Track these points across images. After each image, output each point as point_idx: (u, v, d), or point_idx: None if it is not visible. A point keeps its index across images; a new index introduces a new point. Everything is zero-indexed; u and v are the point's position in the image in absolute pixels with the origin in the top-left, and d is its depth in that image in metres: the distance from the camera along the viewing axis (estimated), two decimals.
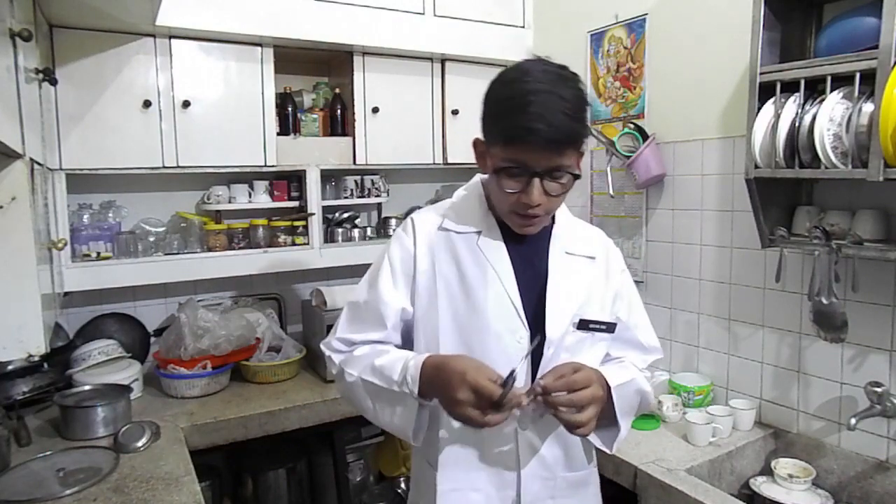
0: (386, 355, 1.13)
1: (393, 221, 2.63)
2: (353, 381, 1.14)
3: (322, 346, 1.23)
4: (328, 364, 1.23)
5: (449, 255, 1.16)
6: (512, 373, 1.00)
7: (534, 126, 0.99)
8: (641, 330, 1.29)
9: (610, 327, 1.19)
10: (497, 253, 1.15)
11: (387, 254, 1.20)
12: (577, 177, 1.07)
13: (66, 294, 1.96)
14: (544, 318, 1.13)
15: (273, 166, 2.22)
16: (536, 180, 1.03)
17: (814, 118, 1.41)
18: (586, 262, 1.21)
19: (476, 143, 1.15)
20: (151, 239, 2.18)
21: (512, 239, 1.17)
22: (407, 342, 1.20)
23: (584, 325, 1.16)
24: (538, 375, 1.09)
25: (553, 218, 1.22)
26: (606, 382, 1.11)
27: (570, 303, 1.15)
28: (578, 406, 1.04)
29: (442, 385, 1.03)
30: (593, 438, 1.18)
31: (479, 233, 1.17)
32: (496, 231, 1.17)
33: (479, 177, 1.24)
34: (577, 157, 1.07)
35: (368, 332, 1.18)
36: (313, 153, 2.32)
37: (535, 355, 1.11)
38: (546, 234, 1.20)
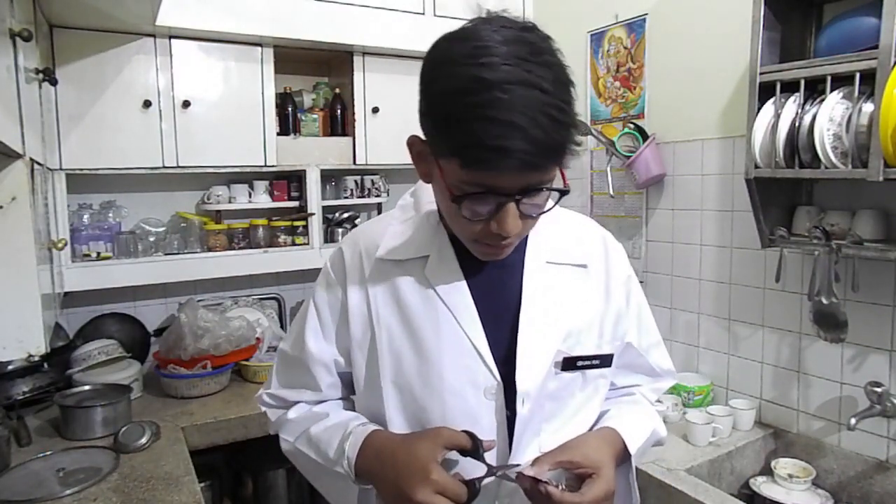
0: (323, 421, 0.94)
1: None
2: (289, 449, 0.98)
3: (257, 401, 1.05)
4: (267, 419, 1.06)
5: (388, 292, 0.91)
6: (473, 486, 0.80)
7: (509, 146, 0.69)
8: (654, 352, 1.06)
9: (605, 361, 0.94)
10: (450, 281, 0.89)
11: (313, 298, 0.98)
12: (564, 192, 0.80)
13: (66, 294, 1.96)
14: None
15: (273, 166, 2.22)
16: (511, 205, 0.76)
17: (814, 118, 1.41)
18: (576, 272, 0.95)
19: (413, 143, 0.83)
20: (151, 239, 2.18)
21: (473, 255, 0.90)
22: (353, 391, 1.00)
23: (570, 364, 0.90)
24: (515, 442, 0.87)
25: None
26: (624, 444, 0.92)
27: (552, 336, 0.90)
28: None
29: (390, 479, 0.82)
30: None
31: (425, 258, 0.91)
32: (448, 251, 0.91)
33: None
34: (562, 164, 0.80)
35: (302, 392, 0.99)
36: (313, 153, 2.32)
37: (510, 413, 0.88)
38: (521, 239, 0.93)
